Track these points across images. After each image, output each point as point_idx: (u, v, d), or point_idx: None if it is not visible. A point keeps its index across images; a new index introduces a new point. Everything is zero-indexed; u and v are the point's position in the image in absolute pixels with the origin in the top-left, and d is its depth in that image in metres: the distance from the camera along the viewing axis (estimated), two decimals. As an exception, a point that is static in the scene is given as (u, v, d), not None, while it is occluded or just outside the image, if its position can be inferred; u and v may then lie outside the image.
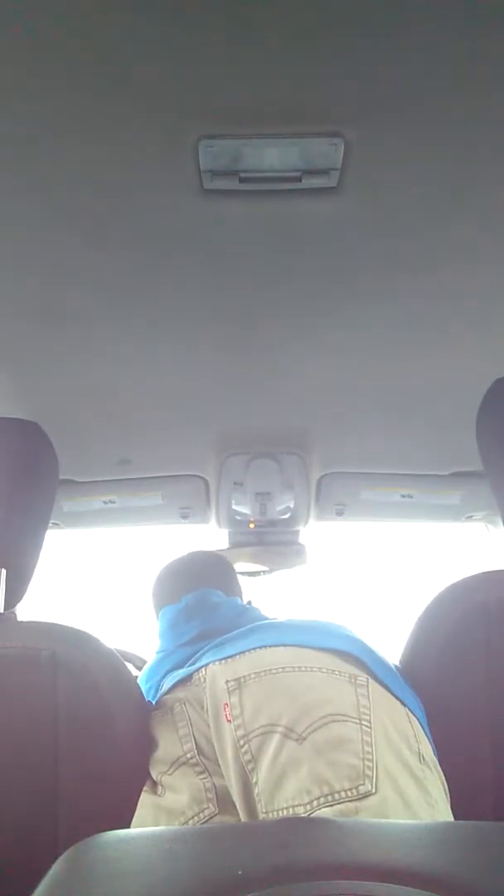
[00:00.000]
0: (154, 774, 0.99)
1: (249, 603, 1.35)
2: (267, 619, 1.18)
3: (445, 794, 0.88)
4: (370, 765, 0.82)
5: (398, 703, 0.93)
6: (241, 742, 0.88)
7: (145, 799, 0.98)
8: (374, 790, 0.80)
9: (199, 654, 1.07)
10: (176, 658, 1.13)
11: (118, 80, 0.64)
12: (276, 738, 0.86)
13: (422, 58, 0.62)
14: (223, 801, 0.93)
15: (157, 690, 1.12)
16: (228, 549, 1.96)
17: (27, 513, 1.12)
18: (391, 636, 1.21)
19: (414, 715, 0.93)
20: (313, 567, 2.02)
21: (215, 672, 0.98)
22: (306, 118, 0.69)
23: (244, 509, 1.86)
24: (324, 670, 0.92)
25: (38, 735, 0.95)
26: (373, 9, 0.58)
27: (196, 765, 0.96)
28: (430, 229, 0.85)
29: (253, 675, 0.92)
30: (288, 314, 1.05)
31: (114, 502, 1.85)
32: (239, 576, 1.56)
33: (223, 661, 0.98)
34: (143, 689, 1.15)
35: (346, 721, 0.86)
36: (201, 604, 1.21)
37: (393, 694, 0.93)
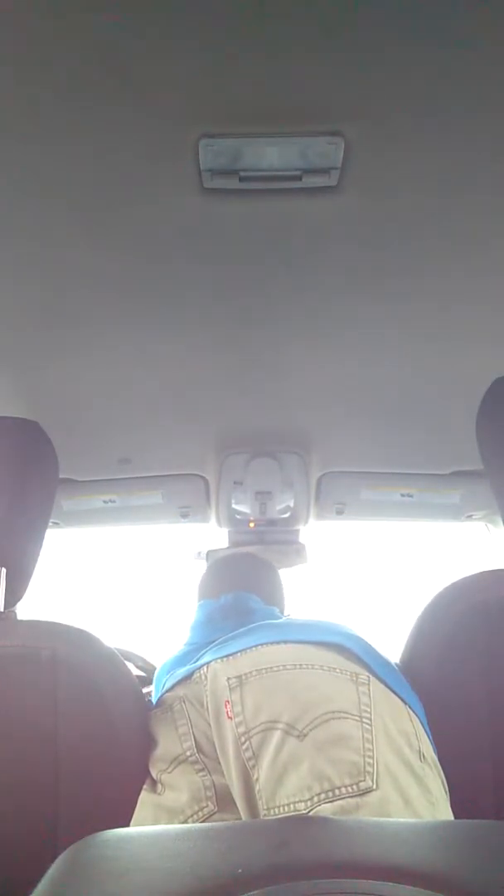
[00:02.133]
0: (154, 773, 0.99)
1: (289, 616, 1.35)
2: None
3: (445, 792, 0.88)
4: (371, 762, 0.82)
5: (399, 701, 0.93)
6: (243, 739, 0.88)
7: (145, 797, 0.98)
8: (374, 786, 0.80)
9: (200, 653, 1.07)
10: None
11: (118, 79, 0.64)
12: (276, 734, 0.86)
13: (422, 57, 0.62)
14: (222, 799, 0.93)
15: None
16: (229, 548, 1.96)
17: (27, 512, 1.12)
18: (391, 635, 1.21)
19: (414, 713, 0.93)
20: (313, 566, 2.02)
21: (216, 670, 0.98)
22: (306, 117, 0.69)
23: (244, 508, 1.86)
24: (325, 668, 0.92)
25: (37, 734, 0.95)
26: (372, 7, 0.58)
27: (195, 763, 0.96)
28: (430, 228, 0.85)
29: (254, 673, 0.92)
30: (288, 313, 1.05)
31: (114, 501, 1.85)
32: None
33: (224, 659, 0.98)
34: (163, 678, 1.14)
35: (346, 718, 0.86)
36: (238, 605, 1.22)
37: (394, 692, 0.94)
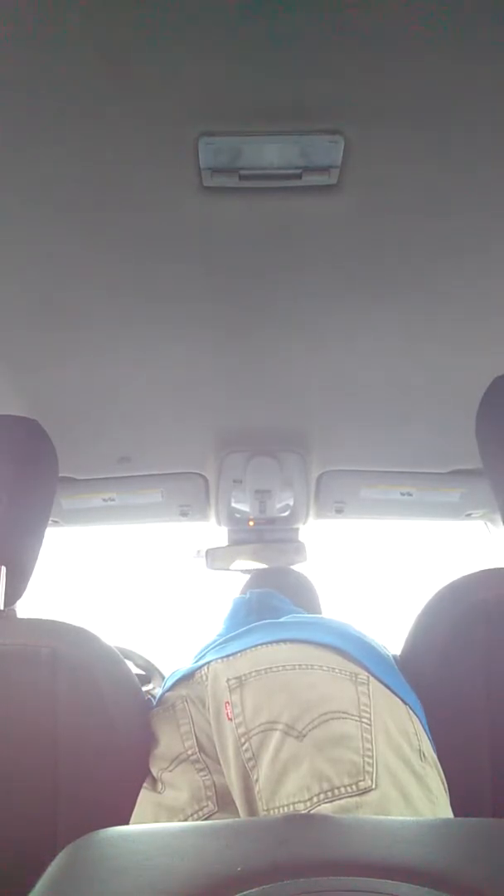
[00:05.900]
0: (154, 771, 0.99)
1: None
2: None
3: (445, 791, 0.88)
4: (370, 761, 0.82)
5: (399, 700, 0.93)
6: (242, 740, 0.88)
7: (145, 796, 0.98)
8: (374, 786, 0.80)
9: (202, 653, 1.07)
10: None
11: (118, 78, 0.64)
12: (276, 735, 0.86)
13: (422, 55, 0.62)
14: (223, 799, 0.93)
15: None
16: (228, 546, 1.96)
17: (27, 510, 1.11)
18: (391, 634, 1.21)
19: (414, 713, 0.93)
20: (313, 564, 2.03)
21: (217, 670, 0.98)
22: (306, 115, 0.69)
23: (244, 507, 1.86)
24: (324, 668, 0.92)
25: (37, 732, 0.95)
26: (372, 7, 0.58)
27: (197, 762, 0.96)
28: (430, 227, 0.85)
29: (254, 674, 0.92)
30: (287, 312, 1.05)
31: (113, 500, 1.85)
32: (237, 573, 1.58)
33: (225, 660, 0.98)
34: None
35: (346, 718, 0.86)
36: (262, 601, 1.23)
37: (393, 692, 0.93)
